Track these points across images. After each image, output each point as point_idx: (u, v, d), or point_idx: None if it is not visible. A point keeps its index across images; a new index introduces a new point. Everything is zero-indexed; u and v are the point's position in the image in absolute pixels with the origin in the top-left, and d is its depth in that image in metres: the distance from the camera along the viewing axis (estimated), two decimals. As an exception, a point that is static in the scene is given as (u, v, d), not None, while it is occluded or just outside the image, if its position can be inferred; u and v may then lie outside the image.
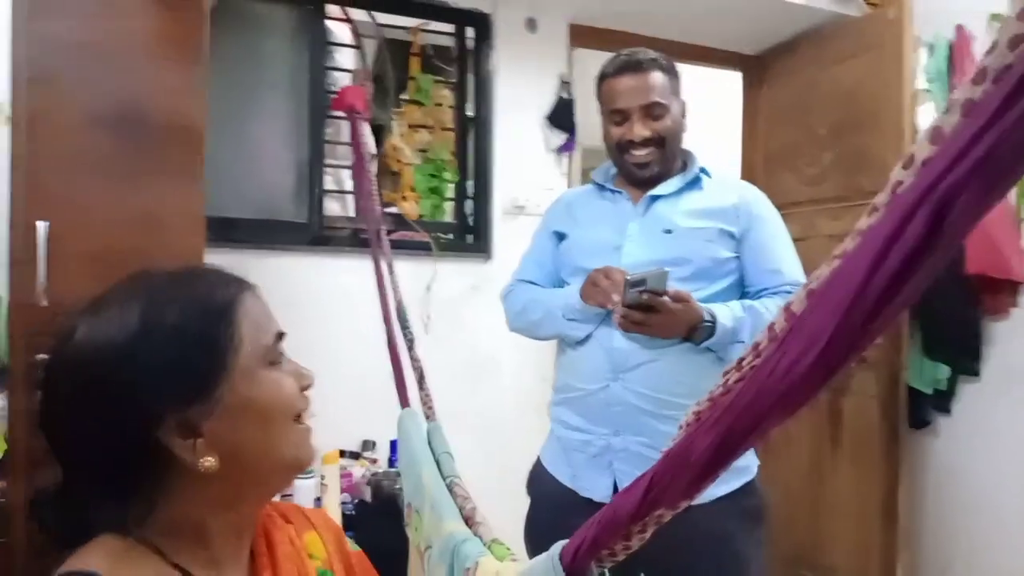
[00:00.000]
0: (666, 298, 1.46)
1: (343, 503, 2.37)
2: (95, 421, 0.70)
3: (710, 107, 3.52)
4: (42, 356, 1.73)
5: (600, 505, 0.69)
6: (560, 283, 1.78)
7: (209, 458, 0.71)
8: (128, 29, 1.87)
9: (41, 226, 1.75)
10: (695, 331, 1.53)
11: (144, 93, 1.88)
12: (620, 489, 1.48)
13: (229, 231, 2.58)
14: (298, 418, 0.79)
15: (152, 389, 0.69)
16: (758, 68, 3.45)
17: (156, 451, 0.70)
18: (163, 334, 0.71)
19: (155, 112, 1.89)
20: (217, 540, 0.77)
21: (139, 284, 0.75)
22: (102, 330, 0.71)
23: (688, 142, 1.77)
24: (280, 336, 0.79)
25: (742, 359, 0.61)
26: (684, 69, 1.75)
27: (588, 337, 1.65)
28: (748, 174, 3.39)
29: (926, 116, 2.62)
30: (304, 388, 0.80)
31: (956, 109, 0.41)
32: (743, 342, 1.53)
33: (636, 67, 1.65)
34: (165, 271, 0.78)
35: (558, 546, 0.71)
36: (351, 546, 0.96)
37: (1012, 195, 2.38)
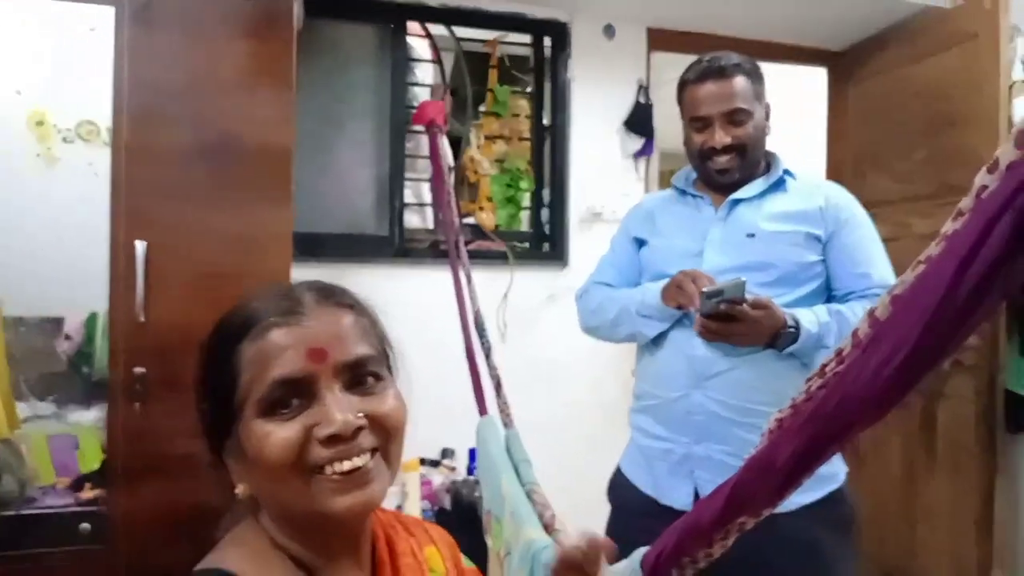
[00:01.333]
0: (745, 306, 1.44)
1: (423, 511, 2.42)
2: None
3: (795, 105, 3.44)
4: (140, 369, 1.84)
5: (681, 513, 0.69)
6: None
7: (241, 485, 0.75)
8: (219, 61, 1.96)
9: (140, 245, 1.85)
10: (778, 338, 1.49)
11: (236, 120, 1.97)
12: (701, 497, 1.46)
13: (315, 247, 2.66)
14: (319, 469, 0.71)
15: (204, 413, 0.79)
16: (844, 64, 3.34)
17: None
18: (202, 364, 0.78)
19: (247, 138, 1.97)
20: (324, 550, 0.77)
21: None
22: None
23: (772, 142, 1.74)
24: (286, 382, 0.71)
25: (825, 365, 0.60)
26: (767, 67, 1.72)
27: (667, 343, 1.64)
28: (835, 173, 3.29)
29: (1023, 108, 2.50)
30: (324, 438, 0.70)
31: (1042, 110, 0.40)
32: (828, 348, 1.49)
33: (719, 73, 1.62)
34: (246, 295, 0.80)
35: (639, 553, 0.71)
36: (465, 562, 0.97)
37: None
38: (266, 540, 0.76)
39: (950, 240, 0.45)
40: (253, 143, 1.97)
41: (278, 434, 0.70)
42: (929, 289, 0.45)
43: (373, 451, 0.73)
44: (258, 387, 0.71)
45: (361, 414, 0.72)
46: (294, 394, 0.71)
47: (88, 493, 1.94)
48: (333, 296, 0.78)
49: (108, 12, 1.87)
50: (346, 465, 0.71)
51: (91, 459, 2.00)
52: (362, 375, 0.75)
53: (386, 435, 0.75)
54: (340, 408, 0.71)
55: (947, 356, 0.46)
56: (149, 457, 1.84)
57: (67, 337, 2.11)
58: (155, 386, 1.86)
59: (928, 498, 2.74)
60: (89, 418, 2.04)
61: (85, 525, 1.86)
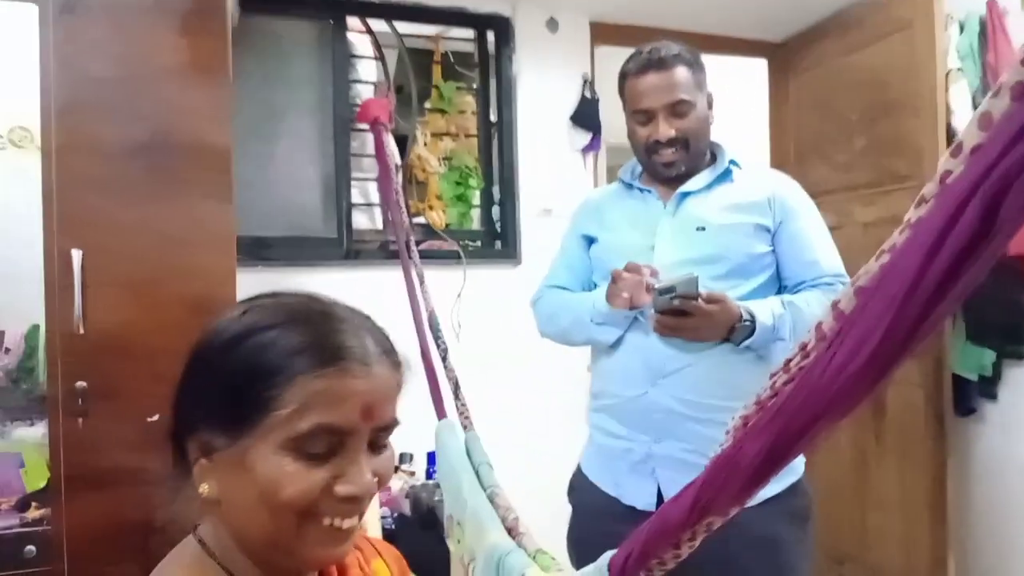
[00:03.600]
0: (700, 301, 1.43)
1: (383, 517, 2.37)
2: (177, 397, 0.75)
3: (737, 97, 3.47)
4: (81, 384, 1.78)
5: (644, 513, 0.68)
6: (592, 287, 1.76)
7: (206, 485, 0.70)
8: (153, 56, 1.90)
9: (76, 254, 1.77)
10: (733, 331, 1.49)
11: (171, 118, 1.91)
12: (664, 495, 1.46)
13: (260, 250, 2.61)
14: (317, 517, 0.69)
15: (198, 398, 0.72)
16: (784, 55, 3.39)
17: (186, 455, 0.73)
18: (231, 359, 0.71)
19: (183, 136, 1.91)
20: (270, 566, 0.74)
21: (271, 307, 0.74)
22: (209, 328, 0.74)
23: (715, 134, 1.74)
24: (330, 430, 0.68)
25: (789, 360, 0.59)
26: (708, 59, 1.72)
27: (623, 342, 1.62)
28: (778, 164, 3.34)
29: (958, 96, 2.55)
30: (344, 496, 0.69)
31: (1006, 92, 0.39)
32: (784, 339, 1.50)
33: (659, 65, 1.61)
34: (313, 306, 0.75)
35: (606, 557, 0.70)
36: None
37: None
38: (206, 559, 0.73)
39: (915, 228, 0.44)
40: (190, 140, 1.92)
41: (304, 479, 0.68)
42: (895, 279, 0.44)
43: None
44: (298, 423, 0.67)
45: (375, 477, 0.72)
46: (328, 441, 0.69)
47: (34, 513, 1.87)
48: (391, 352, 0.76)
49: (32, 10, 1.79)
50: (346, 524, 0.71)
51: (36, 477, 1.93)
52: (385, 437, 0.75)
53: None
54: (367, 470, 0.71)
55: (915, 347, 0.45)
56: (93, 473, 1.78)
57: (6, 351, 2.03)
58: (97, 399, 1.80)
59: (879, 484, 2.79)
60: (34, 435, 1.97)
61: (30, 548, 1.80)
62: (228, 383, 0.70)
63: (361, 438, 0.71)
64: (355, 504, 0.71)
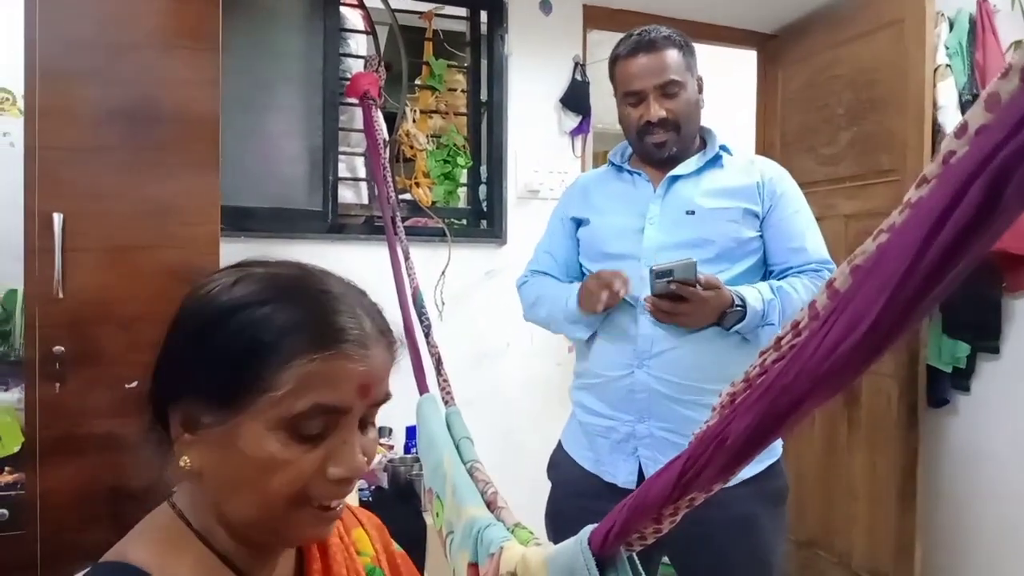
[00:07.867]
0: (697, 287, 1.44)
1: (360, 489, 2.38)
2: (159, 362, 0.72)
3: (725, 87, 3.48)
4: (59, 348, 1.76)
5: (623, 490, 0.68)
6: (579, 270, 1.76)
7: (187, 458, 0.68)
8: (141, 21, 1.87)
9: (57, 217, 1.75)
10: (724, 316, 1.51)
11: (158, 84, 1.88)
12: (645, 474, 1.47)
13: (244, 220, 2.58)
14: (308, 500, 0.68)
15: (185, 368, 0.70)
16: (774, 47, 3.40)
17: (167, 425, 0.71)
18: (222, 333, 0.68)
19: (169, 103, 1.89)
20: (249, 539, 0.73)
21: (264, 279, 0.71)
22: (199, 293, 0.71)
23: (703, 122, 1.74)
24: (327, 410, 0.67)
25: (780, 338, 0.59)
26: (698, 48, 1.72)
27: (609, 324, 1.63)
28: (763, 154, 3.32)
29: (945, 92, 2.57)
30: (336, 479, 0.68)
31: (1015, 74, 0.39)
32: (773, 324, 1.51)
33: (650, 46, 1.62)
34: (308, 282, 0.72)
35: (587, 530, 0.70)
36: (395, 546, 0.95)
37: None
38: (181, 527, 0.71)
39: (916, 208, 0.44)
40: (176, 108, 1.89)
41: (297, 465, 0.66)
42: (894, 258, 0.44)
43: None
44: (294, 403, 0.65)
45: (364, 456, 0.71)
46: (324, 421, 0.67)
47: (7, 477, 1.86)
48: (387, 331, 0.75)
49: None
50: (335, 504, 0.70)
51: (10, 442, 1.92)
52: (375, 413, 0.74)
53: None
54: (359, 451, 0.70)
55: (909, 328, 0.45)
56: (68, 438, 1.77)
57: (-17, 314, 2.01)
58: (74, 364, 1.78)
59: (850, 471, 2.82)
60: (9, 399, 1.96)
61: (3, 511, 1.78)
62: (219, 357, 0.67)
63: (355, 417, 0.69)
64: (347, 485, 0.69)
